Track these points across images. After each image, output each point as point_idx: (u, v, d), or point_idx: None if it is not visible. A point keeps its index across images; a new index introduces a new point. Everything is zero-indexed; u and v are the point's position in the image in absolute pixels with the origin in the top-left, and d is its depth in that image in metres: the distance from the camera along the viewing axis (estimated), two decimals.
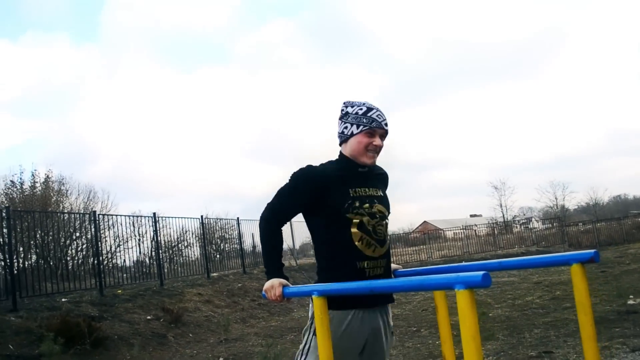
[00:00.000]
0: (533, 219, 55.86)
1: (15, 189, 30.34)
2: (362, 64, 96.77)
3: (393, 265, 2.77)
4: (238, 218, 21.01)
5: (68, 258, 21.52)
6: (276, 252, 2.62)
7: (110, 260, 20.10)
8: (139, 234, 16.94)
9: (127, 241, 17.59)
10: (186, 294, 14.31)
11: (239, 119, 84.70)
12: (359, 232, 2.48)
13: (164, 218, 17.21)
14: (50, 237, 17.71)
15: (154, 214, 16.08)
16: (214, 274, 18.17)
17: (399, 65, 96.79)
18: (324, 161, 2.68)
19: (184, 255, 21.07)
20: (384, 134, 2.60)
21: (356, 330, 2.46)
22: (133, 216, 16.72)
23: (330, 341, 2.19)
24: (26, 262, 17.88)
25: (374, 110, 2.57)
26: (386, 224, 2.61)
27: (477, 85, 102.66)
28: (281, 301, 2.53)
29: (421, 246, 35.03)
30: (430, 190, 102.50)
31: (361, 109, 2.58)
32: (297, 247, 28.02)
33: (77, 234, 21.70)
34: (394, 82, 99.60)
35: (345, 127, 2.60)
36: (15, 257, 15.93)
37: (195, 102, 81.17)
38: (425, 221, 71.33)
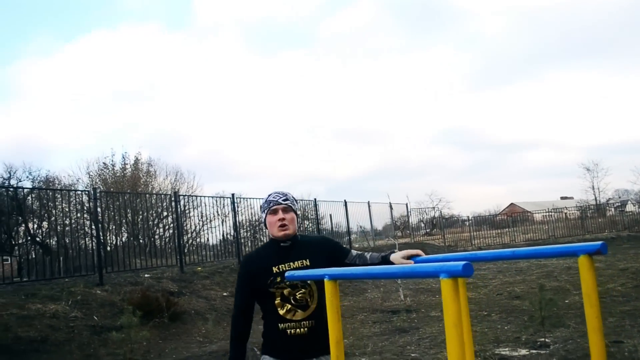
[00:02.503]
0: (629, 203, 52.91)
1: (107, 171, 32.18)
2: (449, 43, 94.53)
3: (413, 251, 2.82)
4: (315, 199, 21.28)
5: (156, 237, 22.64)
6: (235, 342, 3.04)
7: (194, 239, 20.97)
8: (221, 214, 17.55)
9: (211, 221, 18.21)
10: None
11: (325, 102, 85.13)
12: (280, 302, 2.96)
13: (243, 199, 17.67)
14: (140, 217, 18.72)
15: (233, 195, 16.57)
16: None
17: (488, 43, 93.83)
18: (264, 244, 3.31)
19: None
20: (286, 208, 3.04)
21: None
22: (213, 197, 17.31)
23: (340, 322, 2.32)
24: (117, 240, 19.00)
25: (272, 194, 3.09)
26: (310, 290, 2.96)
27: (571, 63, 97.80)
28: None
29: (506, 229, 34.14)
30: (519, 172, 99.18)
31: (265, 199, 3.14)
32: (379, 228, 28.07)
33: (165, 214, 22.72)
34: (483, 60, 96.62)
35: (262, 217, 3.16)
36: (106, 235, 17.01)
37: (279, 86, 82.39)
38: (512, 203, 69.30)
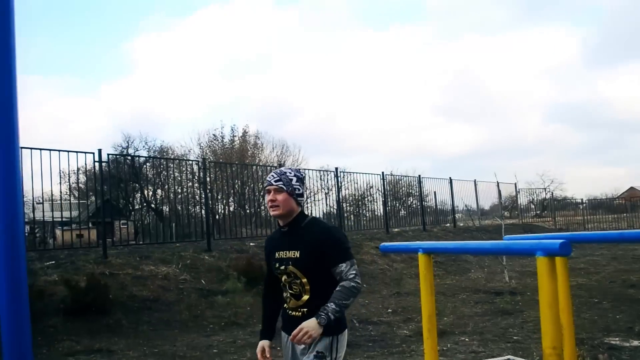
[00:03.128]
0: None
1: (216, 142, 33.42)
2: (565, 16, 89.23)
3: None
4: (419, 176, 20.93)
5: (261, 207, 23.20)
6: (263, 316, 3.19)
7: None
8: (326, 188, 17.73)
9: (315, 194, 18.43)
10: (364, 246, 14.71)
11: (434, 77, 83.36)
12: (283, 285, 3.03)
13: (347, 173, 17.72)
14: (247, 188, 19.30)
15: (336, 169, 16.64)
16: (395, 229, 18.43)
17: (608, 16, 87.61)
18: None
19: (369, 209, 21.68)
20: (277, 189, 2.94)
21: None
22: (317, 170, 17.46)
23: (433, 296, 2.25)
24: (225, 209, 19.73)
25: (269, 175, 3.04)
26: (302, 282, 2.91)
27: None
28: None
29: (624, 214, 32.00)
30: None
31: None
32: (486, 207, 27.26)
33: None
34: (602, 34, 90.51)
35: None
36: (215, 204, 17.71)
37: (387, 60, 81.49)
38: (632, 187, 64.76)
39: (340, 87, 75.55)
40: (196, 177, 16.01)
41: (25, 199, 13.89)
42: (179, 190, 15.59)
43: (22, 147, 8.47)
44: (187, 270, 10.45)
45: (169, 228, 16.18)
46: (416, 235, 17.99)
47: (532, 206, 36.46)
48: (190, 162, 17.85)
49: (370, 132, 72.78)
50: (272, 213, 2.94)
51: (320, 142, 65.69)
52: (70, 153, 10.81)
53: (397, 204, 22.75)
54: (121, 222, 18.92)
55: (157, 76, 69.25)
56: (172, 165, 15.81)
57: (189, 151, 33.02)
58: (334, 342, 2.84)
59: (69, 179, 19.17)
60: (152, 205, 23.33)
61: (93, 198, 21.15)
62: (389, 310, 9.64)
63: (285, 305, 3.05)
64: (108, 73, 72.68)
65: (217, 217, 18.39)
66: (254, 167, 19.59)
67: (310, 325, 2.67)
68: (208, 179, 13.92)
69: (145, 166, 22.78)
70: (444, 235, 18.54)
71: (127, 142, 33.25)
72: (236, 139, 34.00)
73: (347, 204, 19.80)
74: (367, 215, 21.51)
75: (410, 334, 7.64)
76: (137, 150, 32.40)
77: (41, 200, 16.37)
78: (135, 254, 10.92)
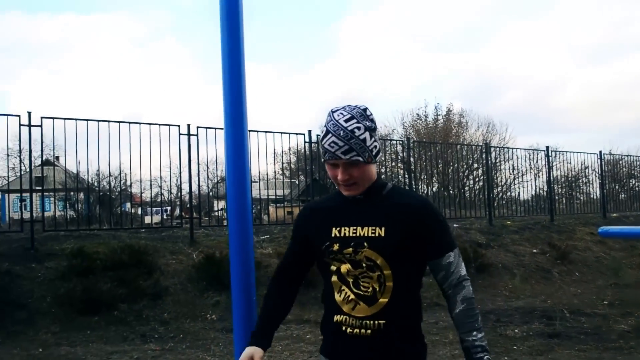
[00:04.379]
0: None
1: (420, 122, 33.39)
2: None
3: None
4: None
5: (465, 188, 22.81)
6: (264, 314, 2.21)
7: (504, 192, 20.55)
8: (535, 168, 16.82)
9: (523, 175, 17.57)
10: (577, 232, 13.74)
11: None
12: (338, 282, 2.04)
13: (559, 152, 16.61)
14: (451, 168, 19.08)
15: (547, 147, 15.67)
16: (613, 214, 16.89)
17: None
18: None
19: (583, 192, 20.15)
20: (349, 164, 1.94)
21: None
22: (526, 149, 16.60)
23: None
24: (428, 189, 19.72)
25: (328, 137, 1.93)
26: (382, 276, 1.95)
27: None
28: None
29: None
30: None
31: (323, 130, 1.99)
32: None
33: (475, 166, 22.69)
34: None
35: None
36: (418, 184, 17.77)
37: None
38: None
39: (556, 57, 70.36)
40: (399, 157, 16.19)
41: None
42: (383, 170, 15.89)
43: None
44: None
45: None
46: (639, 221, 16.30)
47: None
48: (394, 141, 18.07)
49: (587, 106, 66.92)
50: (347, 193, 2.02)
51: (531, 118, 61.97)
52: (283, 134, 11.63)
53: (617, 187, 20.76)
54: None
55: (362, 55, 70.90)
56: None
57: (393, 131, 33.48)
58: None
59: (281, 159, 20.59)
60: None
61: (302, 177, 22.48)
62: (605, 302, 8.91)
63: (336, 317, 2.04)
64: (318, 55, 76.14)
65: None
66: (458, 146, 19.24)
67: None
68: (411, 158, 13.99)
69: None
70: None
71: None
72: (440, 117, 33.72)
73: (559, 186, 18.56)
74: (581, 198, 19.99)
75: (629, 330, 7.01)
76: None
77: (257, 179, 17.88)
78: None
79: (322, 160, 2.02)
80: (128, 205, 17.36)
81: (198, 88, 74.10)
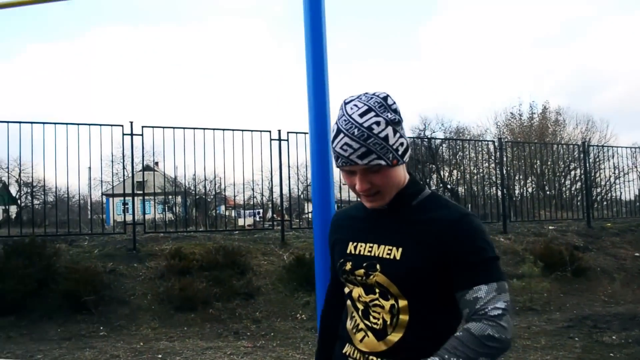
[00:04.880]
0: None
1: (514, 121, 32.33)
2: None
3: None
4: None
5: (563, 188, 21.90)
6: (320, 336, 1.93)
7: (605, 192, 19.54)
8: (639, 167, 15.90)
9: (626, 174, 16.67)
10: None
11: None
12: (351, 307, 1.69)
13: None
14: (547, 168, 18.38)
15: None
16: None
17: None
18: None
19: None
20: (367, 170, 1.54)
21: None
22: (629, 147, 15.73)
23: None
24: (523, 190, 19.11)
25: (340, 137, 1.53)
26: (395, 307, 1.55)
27: None
28: None
29: None
30: None
31: (334, 129, 1.58)
32: None
33: (573, 165, 21.74)
34: None
35: None
36: (512, 184, 17.28)
37: None
38: None
39: None
40: (492, 157, 15.79)
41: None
42: (475, 171, 15.57)
43: None
44: None
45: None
46: None
47: None
48: (486, 142, 17.63)
49: None
50: (370, 205, 1.62)
51: (635, 115, 58.48)
52: None
53: None
54: None
55: (453, 57, 69.57)
56: (467, 146, 15.86)
57: (486, 131, 32.63)
58: None
59: None
60: (448, 186, 23.73)
61: None
62: None
63: (345, 347, 1.70)
64: (404, 57, 75.47)
65: (514, 198, 17.91)
66: (555, 145, 18.51)
67: None
68: (505, 159, 13.63)
69: (441, 147, 23.24)
70: None
71: (424, 125, 34.31)
72: (535, 116, 32.51)
73: None
74: None
75: None
76: (434, 132, 33.20)
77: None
78: None
79: (336, 166, 1.61)
80: (222, 208, 17.97)
81: (290, 93, 75.47)
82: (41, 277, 7.92)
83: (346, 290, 1.70)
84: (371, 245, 1.61)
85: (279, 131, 10.73)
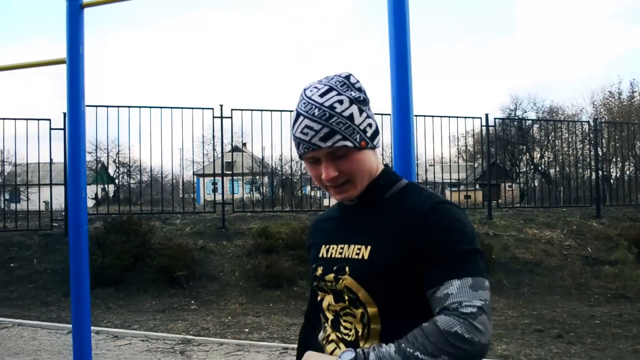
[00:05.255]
0: None
1: (612, 100, 30.64)
2: None
3: None
4: None
5: None
6: (297, 354, 1.67)
7: None
8: None
9: None
10: None
11: None
12: (322, 317, 1.48)
13: None
14: None
15: None
16: None
17: None
18: None
19: None
20: (331, 154, 1.33)
21: None
22: None
23: None
24: (621, 173, 18.17)
25: (299, 121, 1.35)
26: (365, 315, 1.34)
27: None
28: None
29: None
30: None
31: (293, 115, 1.41)
32: None
33: None
34: None
35: None
36: (608, 167, 16.48)
37: None
38: None
39: None
40: (587, 139, 15.12)
41: (419, 161, 15.28)
42: (568, 153, 14.96)
43: (415, 115, 9.45)
44: (572, 236, 10.10)
45: (556, 192, 15.73)
46: None
47: None
48: (580, 122, 16.90)
49: None
50: (339, 197, 1.41)
51: None
52: (459, 119, 11.51)
53: None
54: (507, 184, 19.17)
55: (546, 33, 66.67)
56: (560, 126, 15.25)
57: (581, 110, 31.27)
58: None
59: (457, 143, 20.27)
60: (540, 168, 22.94)
61: (480, 161, 21.90)
62: None
63: None
64: (496, 34, 73.08)
65: (610, 181, 17.08)
66: None
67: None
68: (601, 140, 13.03)
69: (532, 128, 22.47)
70: None
71: (515, 104, 33.23)
72: (636, 95, 30.69)
73: None
74: None
75: None
76: (525, 112, 32.10)
77: (433, 163, 17.80)
78: (520, 216, 11.03)
79: (298, 155, 1.41)
80: (308, 188, 18.26)
81: (375, 73, 74.95)
82: (137, 253, 8.42)
83: (319, 298, 1.47)
84: (342, 246, 1.41)
85: None
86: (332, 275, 1.38)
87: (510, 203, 15.04)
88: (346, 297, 1.35)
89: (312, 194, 17.98)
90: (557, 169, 16.02)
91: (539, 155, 24.57)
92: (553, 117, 28.65)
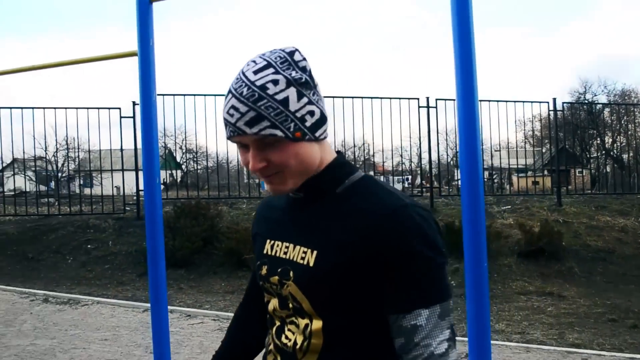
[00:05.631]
0: None
1: None
2: None
3: None
4: None
5: None
6: (222, 344, 1.51)
7: None
8: None
9: None
10: None
11: None
12: (268, 322, 1.33)
13: None
14: None
15: None
16: None
17: None
18: None
19: None
20: (259, 141, 1.12)
21: None
22: None
23: None
24: None
25: (227, 99, 1.14)
26: (308, 328, 1.17)
27: None
28: None
29: None
30: None
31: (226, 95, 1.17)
32: None
33: None
34: None
35: None
36: None
37: None
38: None
39: None
40: None
41: (484, 146, 14.99)
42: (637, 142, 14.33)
43: (480, 100, 9.27)
44: None
45: (630, 178, 15.11)
46: None
47: None
48: None
49: None
50: (270, 189, 1.21)
51: None
52: (525, 103, 11.26)
53: None
54: (577, 170, 18.57)
55: (619, 7, 63.63)
56: (634, 110, 14.61)
57: None
58: None
59: (524, 128, 19.75)
60: (612, 154, 22.05)
61: (548, 146, 21.29)
62: None
63: None
64: (565, 17, 70.26)
65: None
66: None
67: None
68: None
69: (603, 112, 21.59)
70: None
71: (585, 88, 32.05)
72: None
73: None
74: None
75: None
76: (595, 96, 30.91)
77: (499, 148, 17.43)
78: (591, 203, 10.69)
79: (227, 138, 1.19)
80: (372, 173, 18.29)
81: (438, 60, 73.89)
82: (206, 236, 8.71)
83: (266, 300, 1.31)
84: (287, 245, 1.23)
85: (427, 98, 10.73)
86: (276, 278, 1.21)
87: (581, 189, 14.56)
88: (290, 305, 1.19)
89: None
90: (631, 154, 15.38)
91: (610, 140, 23.64)
92: (625, 100, 27.46)
